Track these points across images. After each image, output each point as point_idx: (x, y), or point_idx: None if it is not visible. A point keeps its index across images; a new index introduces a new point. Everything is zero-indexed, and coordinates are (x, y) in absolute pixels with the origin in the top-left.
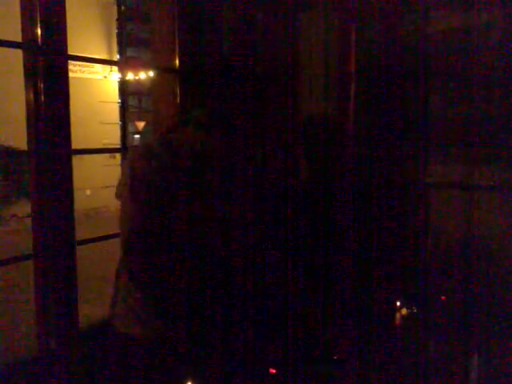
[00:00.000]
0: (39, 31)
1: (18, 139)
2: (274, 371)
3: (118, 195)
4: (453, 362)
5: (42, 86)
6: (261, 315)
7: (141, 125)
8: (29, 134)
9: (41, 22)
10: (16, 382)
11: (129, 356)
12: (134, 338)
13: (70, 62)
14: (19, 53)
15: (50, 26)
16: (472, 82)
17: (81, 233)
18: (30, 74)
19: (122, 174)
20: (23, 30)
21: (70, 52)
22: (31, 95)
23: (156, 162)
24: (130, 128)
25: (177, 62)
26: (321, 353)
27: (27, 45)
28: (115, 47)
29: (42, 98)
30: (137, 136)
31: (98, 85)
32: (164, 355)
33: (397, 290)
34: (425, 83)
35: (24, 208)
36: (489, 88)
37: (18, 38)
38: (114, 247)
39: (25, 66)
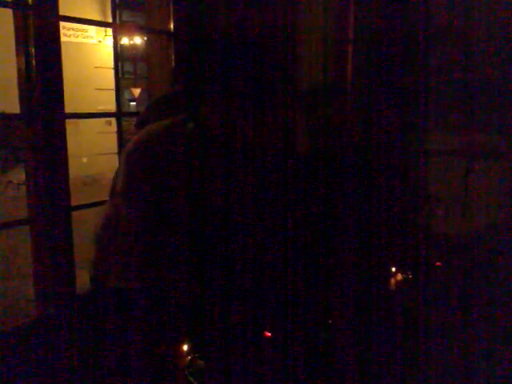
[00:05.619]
0: None
1: (13, 104)
2: (269, 334)
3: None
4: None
5: (33, 47)
6: (258, 279)
7: (137, 91)
8: (21, 98)
9: None
10: (15, 346)
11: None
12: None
13: (63, 26)
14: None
15: None
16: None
17: (79, 199)
18: (21, 34)
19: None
20: None
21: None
22: (22, 57)
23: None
24: (127, 95)
25: (171, 24)
26: (316, 317)
27: (17, 4)
28: (109, 11)
29: (34, 60)
30: (133, 103)
31: (93, 50)
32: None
33: (393, 257)
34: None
35: (20, 175)
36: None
37: None
38: None
39: (15, 26)
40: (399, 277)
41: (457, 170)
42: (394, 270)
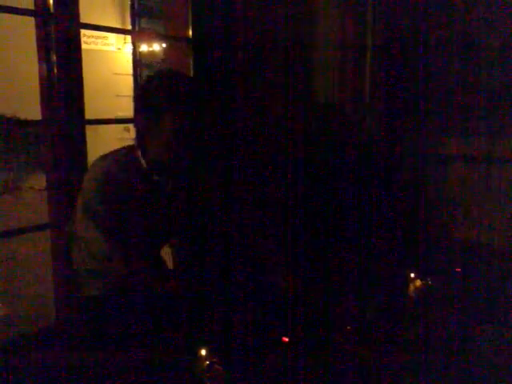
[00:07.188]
0: None
1: (34, 111)
2: (286, 340)
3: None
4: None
5: (54, 54)
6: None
7: None
8: (42, 105)
9: None
10: (34, 350)
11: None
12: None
13: (83, 33)
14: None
15: None
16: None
17: None
18: (43, 42)
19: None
20: None
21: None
22: (44, 64)
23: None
24: None
25: (190, 31)
26: (333, 323)
27: (39, 12)
28: (128, 19)
29: (55, 67)
30: None
31: (113, 57)
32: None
33: (410, 262)
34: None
35: (41, 181)
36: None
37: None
38: None
39: (37, 34)
40: (418, 283)
41: (476, 174)
42: (412, 275)
